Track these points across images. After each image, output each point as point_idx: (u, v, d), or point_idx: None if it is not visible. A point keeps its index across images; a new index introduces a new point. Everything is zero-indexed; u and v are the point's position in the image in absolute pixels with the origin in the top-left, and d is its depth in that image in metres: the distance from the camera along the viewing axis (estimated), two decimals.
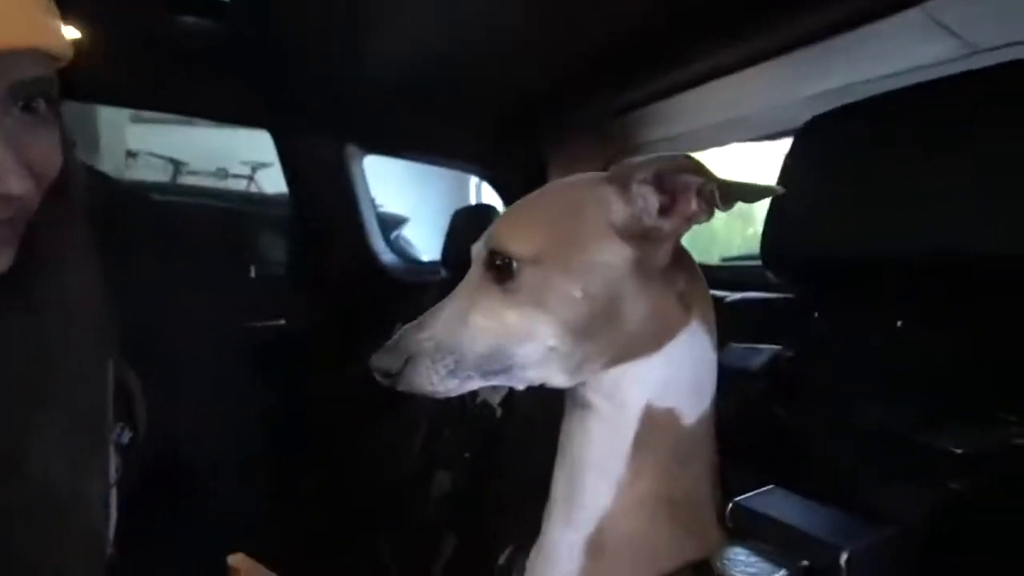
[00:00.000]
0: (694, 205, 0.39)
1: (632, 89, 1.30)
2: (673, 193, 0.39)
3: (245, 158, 3.48)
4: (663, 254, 0.40)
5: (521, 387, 0.42)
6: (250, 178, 3.55)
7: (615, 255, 0.39)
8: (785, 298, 0.60)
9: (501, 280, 0.40)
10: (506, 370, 0.40)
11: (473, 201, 4.28)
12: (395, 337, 0.41)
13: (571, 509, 0.41)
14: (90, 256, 0.51)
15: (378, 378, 0.41)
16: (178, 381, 0.64)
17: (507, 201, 1.66)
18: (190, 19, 0.97)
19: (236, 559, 0.87)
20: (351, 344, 1.49)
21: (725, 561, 0.33)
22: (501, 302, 0.39)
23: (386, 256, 1.62)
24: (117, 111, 2.81)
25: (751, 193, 0.38)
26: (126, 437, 0.57)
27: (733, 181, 0.37)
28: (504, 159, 1.52)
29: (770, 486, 0.38)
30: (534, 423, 0.71)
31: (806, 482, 0.39)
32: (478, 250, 0.42)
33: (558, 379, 0.40)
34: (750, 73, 1.04)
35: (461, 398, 0.90)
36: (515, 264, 0.39)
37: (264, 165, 3.44)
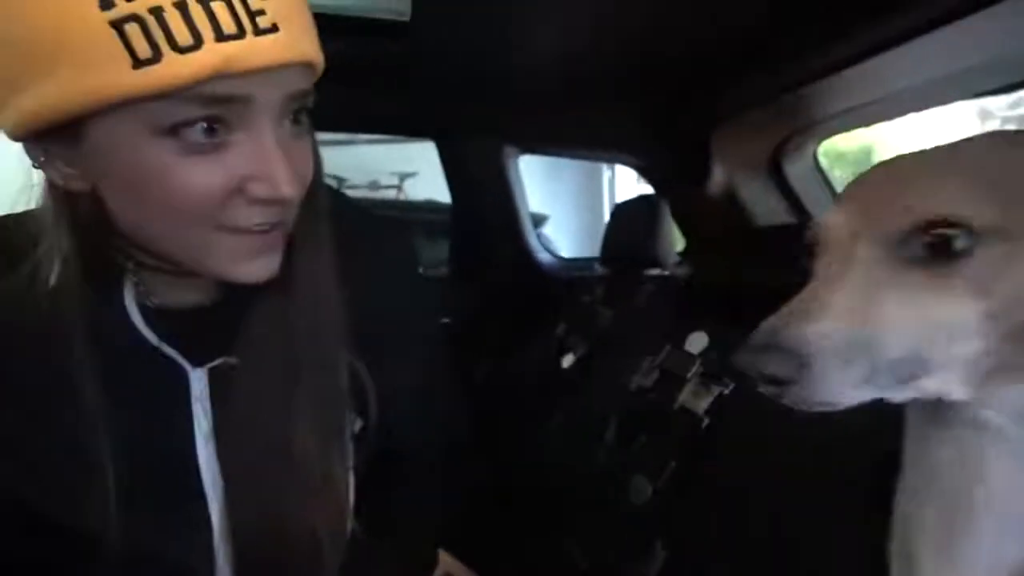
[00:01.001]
0: None
1: (809, 59, 1.17)
2: None
3: (393, 169, 3.76)
4: None
5: (904, 398, 0.33)
6: (398, 187, 3.82)
7: None
8: None
9: (932, 259, 0.30)
10: (914, 378, 0.32)
11: (606, 196, 4.22)
12: (768, 331, 0.32)
13: (956, 560, 0.33)
14: (332, 258, 0.55)
15: (762, 388, 0.33)
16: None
17: (661, 191, 1.59)
18: (374, 41, 1.04)
19: (443, 554, 0.92)
20: (514, 340, 1.53)
21: None
22: (927, 289, 0.31)
23: (541, 254, 1.63)
24: None
25: None
26: (359, 425, 0.60)
27: None
28: (662, 147, 1.46)
29: None
30: (753, 436, 0.65)
31: None
32: (890, 219, 0.32)
33: (958, 391, 0.32)
34: (959, 27, 0.88)
35: (659, 401, 0.86)
36: (961, 239, 0.30)
37: (410, 175, 3.70)
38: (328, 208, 0.55)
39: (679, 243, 1.45)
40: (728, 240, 1.37)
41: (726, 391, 0.71)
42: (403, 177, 3.73)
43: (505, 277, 1.56)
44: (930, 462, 0.35)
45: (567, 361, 1.19)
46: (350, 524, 0.61)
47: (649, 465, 0.76)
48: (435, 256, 2.15)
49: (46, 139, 0.42)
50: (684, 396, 0.77)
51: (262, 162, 0.42)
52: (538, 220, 2.93)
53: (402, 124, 1.46)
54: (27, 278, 0.46)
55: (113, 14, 0.35)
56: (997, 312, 0.30)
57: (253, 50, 0.38)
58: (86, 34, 0.36)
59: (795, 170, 1.53)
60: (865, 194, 0.35)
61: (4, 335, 0.48)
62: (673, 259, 1.23)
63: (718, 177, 1.46)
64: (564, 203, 3.67)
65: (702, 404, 0.73)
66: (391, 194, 3.78)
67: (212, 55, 0.37)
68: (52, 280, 0.46)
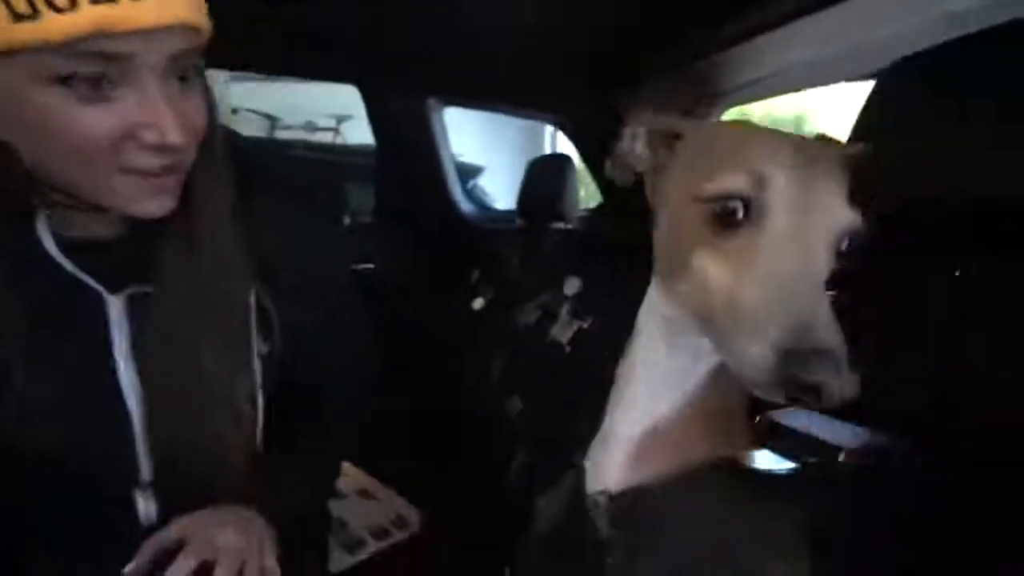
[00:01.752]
0: None
1: (713, 29, 1.25)
2: None
3: (331, 111, 3.65)
4: None
5: None
6: (335, 130, 3.72)
7: None
8: None
9: None
10: None
11: (548, 150, 4.27)
12: (807, 336, 0.32)
13: (638, 412, 0.47)
14: (230, 200, 0.61)
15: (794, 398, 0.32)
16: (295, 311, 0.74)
17: (582, 150, 1.67)
18: None
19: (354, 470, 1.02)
20: (434, 285, 1.61)
21: (749, 459, 0.39)
22: None
23: (464, 204, 1.71)
24: (221, 71, 3.01)
25: None
26: (265, 349, 0.68)
27: None
28: (579, 106, 1.53)
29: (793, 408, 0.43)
30: (597, 357, 0.78)
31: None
32: (841, 218, 0.38)
33: None
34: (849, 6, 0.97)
35: (535, 335, 0.99)
36: None
37: (348, 117, 3.60)
38: (226, 153, 0.61)
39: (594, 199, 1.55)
40: (636, 198, 1.48)
41: (584, 325, 0.85)
42: (340, 120, 3.64)
43: (428, 225, 1.62)
44: (646, 360, 0.47)
45: (478, 304, 1.30)
46: (258, 438, 0.70)
47: (522, 386, 0.89)
48: (368, 202, 2.18)
49: None
50: (555, 330, 0.90)
51: (148, 113, 0.48)
52: (473, 171, 2.96)
53: (326, 70, 1.47)
54: None
55: None
56: None
57: (128, 13, 0.44)
58: None
59: None
60: (805, 175, 0.38)
61: None
62: (577, 214, 1.34)
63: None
64: (505, 155, 3.69)
65: (567, 335, 0.87)
66: (328, 137, 3.69)
67: (87, 16, 0.42)
68: None
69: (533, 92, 1.54)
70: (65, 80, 0.45)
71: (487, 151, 3.46)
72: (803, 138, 0.42)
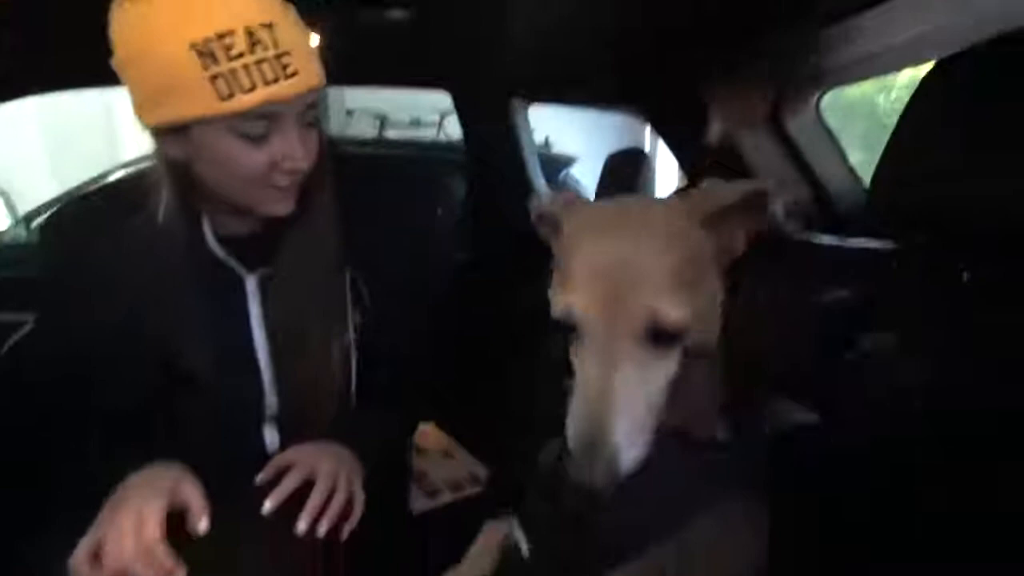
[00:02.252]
0: None
1: (807, 8, 1.19)
2: None
3: (435, 107, 3.88)
4: None
5: None
6: (439, 125, 3.95)
7: None
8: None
9: (656, 341, 0.45)
10: None
11: (647, 140, 4.17)
12: (586, 444, 0.43)
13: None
14: (332, 201, 0.82)
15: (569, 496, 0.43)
16: (390, 294, 0.89)
17: (670, 143, 1.65)
18: (383, 11, 1.19)
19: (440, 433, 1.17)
20: (516, 273, 1.69)
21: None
22: (657, 361, 0.46)
23: None
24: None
25: None
26: (359, 319, 0.88)
27: None
28: (661, 99, 1.53)
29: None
30: None
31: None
32: (636, 319, 0.44)
33: None
34: None
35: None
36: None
37: (451, 112, 3.80)
38: (331, 169, 0.81)
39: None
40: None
41: None
42: (444, 115, 3.85)
43: (512, 217, 1.71)
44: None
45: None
46: (352, 390, 0.88)
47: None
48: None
49: (167, 132, 0.71)
50: None
51: (289, 148, 0.71)
52: (565, 161, 3.00)
53: (420, 77, 1.61)
54: (146, 218, 0.76)
55: (209, 73, 0.64)
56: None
57: (283, 87, 0.66)
58: (194, 81, 0.64)
59: (796, 123, 1.56)
60: (611, 290, 0.42)
61: (137, 253, 0.77)
62: None
63: (716, 129, 1.52)
64: (607, 145, 3.68)
65: None
66: (432, 131, 3.93)
67: (262, 93, 0.65)
68: (160, 218, 0.76)
69: (614, 86, 1.56)
70: (244, 133, 0.68)
71: (585, 140, 3.47)
72: (644, 220, 0.44)
